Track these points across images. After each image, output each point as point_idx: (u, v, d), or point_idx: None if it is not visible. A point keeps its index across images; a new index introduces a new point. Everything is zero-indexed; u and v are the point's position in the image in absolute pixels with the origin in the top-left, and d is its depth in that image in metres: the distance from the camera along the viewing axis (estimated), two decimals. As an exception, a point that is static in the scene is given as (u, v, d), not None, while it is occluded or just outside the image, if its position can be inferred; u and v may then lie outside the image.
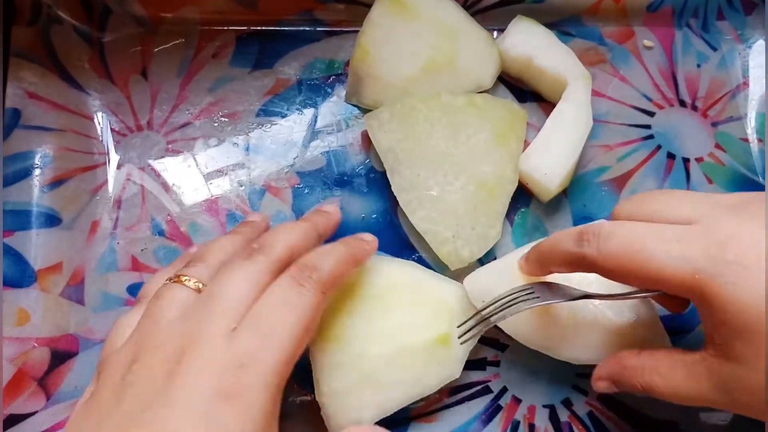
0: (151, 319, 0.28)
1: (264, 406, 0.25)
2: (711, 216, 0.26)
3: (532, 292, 0.31)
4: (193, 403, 0.24)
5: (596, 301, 0.33)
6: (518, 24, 0.41)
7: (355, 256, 0.32)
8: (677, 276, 0.25)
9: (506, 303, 0.32)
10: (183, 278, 0.29)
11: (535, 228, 0.39)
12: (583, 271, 0.29)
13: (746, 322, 0.24)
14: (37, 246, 0.36)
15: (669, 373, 0.28)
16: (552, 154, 0.38)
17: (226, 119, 0.41)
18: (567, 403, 0.36)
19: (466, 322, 0.34)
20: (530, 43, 0.41)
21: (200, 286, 0.29)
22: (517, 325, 0.34)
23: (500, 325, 0.33)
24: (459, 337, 0.33)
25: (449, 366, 0.33)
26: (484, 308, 0.33)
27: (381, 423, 0.34)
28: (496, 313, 0.32)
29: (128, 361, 0.27)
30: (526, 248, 0.34)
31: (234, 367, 0.25)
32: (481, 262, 0.38)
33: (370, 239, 0.34)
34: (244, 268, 0.28)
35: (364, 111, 0.41)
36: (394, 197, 0.38)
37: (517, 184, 0.38)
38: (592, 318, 0.33)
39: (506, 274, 0.34)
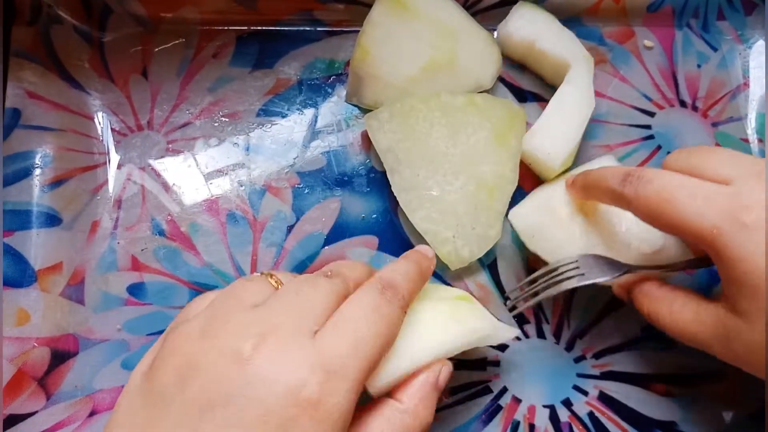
0: (230, 296, 0.27)
1: (344, 414, 0.24)
2: (746, 180, 0.28)
3: (578, 267, 0.34)
4: (271, 404, 0.23)
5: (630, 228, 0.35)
6: (520, 9, 0.42)
7: (424, 275, 0.32)
8: (697, 228, 0.28)
9: (553, 279, 0.34)
10: (273, 278, 0.29)
11: (535, 228, 0.39)
12: (621, 208, 0.32)
13: (754, 282, 0.26)
14: (37, 246, 0.36)
15: (679, 310, 0.30)
16: (555, 133, 0.38)
17: (227, 119, 0.41)
18: (567, 403, 0.36)
19: (515, 290, 0.36)
20: (532, 27, 0.41)
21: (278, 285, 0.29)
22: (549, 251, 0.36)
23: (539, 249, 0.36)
24: (510, 310, 0.36)
25: (478, 317, 0.31)
26: (531, 284, 0.35)
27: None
28: (543, 290, 0.34)
29: (197, 334, 0.25)
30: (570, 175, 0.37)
31: (321, 371, 0.24)
32: (481, 262, 0.38)
33: (430, 255, 0.33)
34: (327, 285, 0.28)
35: (364, 111, 0.41)
36: (394, 197, 0.38)
37: (516, 184, 0.38)
38: (625, 242, 0.35)
39: (548, 211, 0.36)
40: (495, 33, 0.43)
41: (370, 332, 0.26)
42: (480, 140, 0.38)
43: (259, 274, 0.29)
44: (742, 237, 0.26)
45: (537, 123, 0.39)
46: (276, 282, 0.28)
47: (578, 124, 0.38)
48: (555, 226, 0.36)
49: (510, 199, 0.38)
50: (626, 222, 0.35)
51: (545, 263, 0.35)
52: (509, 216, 0.37)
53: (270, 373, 0.23)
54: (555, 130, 0.38)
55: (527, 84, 0.43)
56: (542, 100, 0.42)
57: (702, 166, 0.30)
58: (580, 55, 0.40)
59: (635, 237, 0.35)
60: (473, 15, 0.42)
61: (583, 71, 0.40)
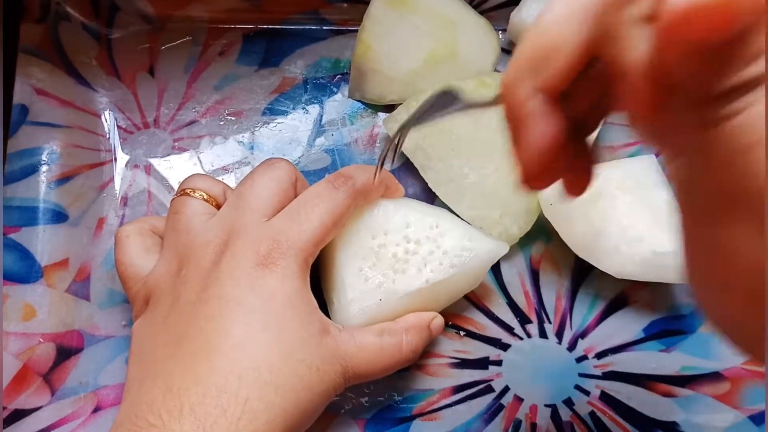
0: (183, 230, 0.31)
1: (296, 272, 0.29)
2: None
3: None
4: (237, 274, 0.28)
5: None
6: None
7: (386, 181, 0.34)
8: None
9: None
10: (187, 190, 0.33)
11: (540, 230, 0.39)
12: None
13: None
14: (43, 242, 0.36)
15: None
16: None
17: (232, 117, 0.41)
18: (569, 403, 0.36)
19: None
20: None
21: (204, 195, 0.32)
22: (564, 224, 0.36)
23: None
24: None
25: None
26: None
27: (382, 410, 0.35)
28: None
29: (175, 270, 0.30)
30: None
31: (269, 241, 0.29)
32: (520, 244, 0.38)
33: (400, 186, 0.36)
34: (268, 173, 0.32)
35: (369, 107, 0.41)
36: (399, 196, 0.38)
37: None
38: (638, 236, 0.34)
39: None
40: (499, 34, 0.43)
41: (314, 211, 0.30)
42: (501, 118, 0.38)
43: (176, 196, 0.33)
44: None
45: None
46: (200, 194, 0.32)
47: None
48: (575, 202, 0.36)
49: None
50: (646, 219, 0.34)
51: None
52: None
53: (233, 259, 0.29)
54: None
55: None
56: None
57: None
58: None
59: (649, 235, 0.34)
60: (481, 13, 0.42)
61: None
